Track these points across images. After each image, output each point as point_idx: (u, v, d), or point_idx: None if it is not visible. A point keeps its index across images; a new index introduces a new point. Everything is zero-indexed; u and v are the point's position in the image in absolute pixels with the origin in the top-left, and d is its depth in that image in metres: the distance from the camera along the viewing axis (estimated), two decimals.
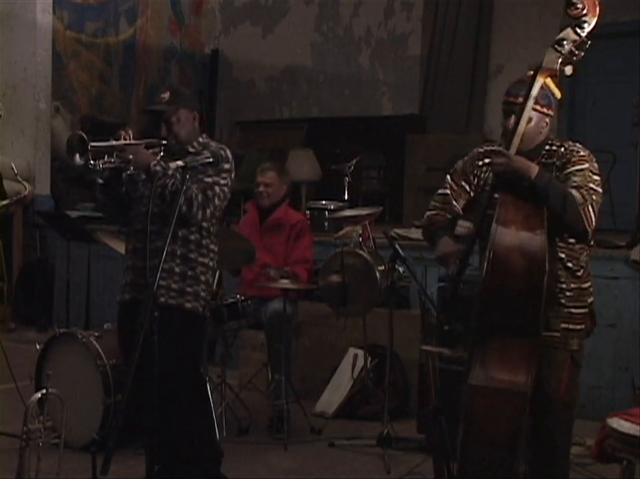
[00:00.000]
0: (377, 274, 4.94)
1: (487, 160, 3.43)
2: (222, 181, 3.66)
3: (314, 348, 5.84)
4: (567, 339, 3.31)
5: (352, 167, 7.63)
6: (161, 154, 3.61)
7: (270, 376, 5.17)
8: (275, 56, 10.71)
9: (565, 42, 3.17)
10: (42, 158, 8.42)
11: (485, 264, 3.06)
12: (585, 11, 3.14)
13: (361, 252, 5.03)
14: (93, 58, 9.81)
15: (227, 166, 3.68)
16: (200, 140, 3.79)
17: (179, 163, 3.37)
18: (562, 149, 3.30)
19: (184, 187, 3.32)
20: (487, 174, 3.42)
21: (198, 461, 3.72)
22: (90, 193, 8.65)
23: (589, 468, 4.28)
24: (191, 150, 3.71)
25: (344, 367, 5.58)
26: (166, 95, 3.74)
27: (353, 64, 10.26)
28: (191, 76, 11.13)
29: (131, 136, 3.57)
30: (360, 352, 5.40)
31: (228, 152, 3.72)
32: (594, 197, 3.18)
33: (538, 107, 3.24)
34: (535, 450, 3.39)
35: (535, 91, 3.16)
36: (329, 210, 7.00)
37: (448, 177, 3.60)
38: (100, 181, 3.70)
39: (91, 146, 3.38)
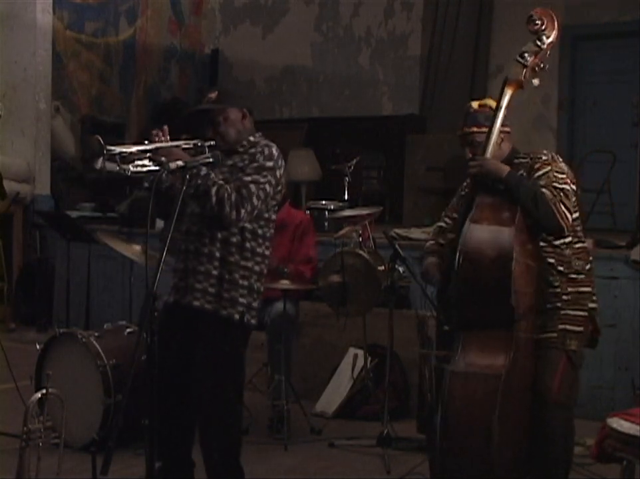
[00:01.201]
0: (377, 274, 4.94)
1: (466, 191, 3.68)
2: (262, 180, 3.46)
3: (314, 348, 5.84)
4: (564, 339, 3.39)
5: (352, 167, 7.63)
6: (179, 162, 3.34)
7: (270, 376, 5.17)
8: (275, 56, 10.71)
9: (526, 55, 3.43)
10: (42, 158, 8.41)
11: (457, 257, 3.23)
12: (544, 26, 3.43)
13: (361, 252, 5.03)
14: (93, 58, 9.81)
15: (269, 164, 3.51)
16: (251, 138, 3.63)
17: (179, 163, 3.33)
18: (528, 159, 3.50)
19: (184, 188, 3.28)
20: (461, 204, 3.64)
21: (217, 475, 3.64)
22: (91, 193, 8.70)
23: (589, 468, 4.28)
24: (240, 149, 3.58)
25: (344, 367, 5.58)
26: (214, 95, 3.62)
27: (353, 64, 10.26)
28: (191, 76, 11.14)
29: (167, 138, 3.42)
30: (360, 352, 5.40)
31: (274, 149, 3.58)
32: (562, 194, 3.33)
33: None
34: (534, 452, 3.40)
35: (504, 102, 3.40)
36: (329, 210, 7.01)
37: (443, 213, 3.88)
38: (146, 184, 3.57)
39: (107, 149, 3.18)
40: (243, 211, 3.38)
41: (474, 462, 3.15)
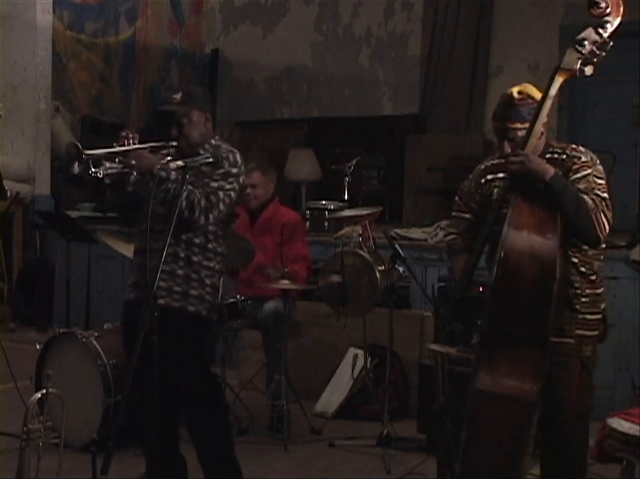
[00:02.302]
0: (377, 274, 4.94)
1: (489, 177, 3.39)
2: (228, 186, 3.58)
3: (314, 348, 5.84)
4: (581, 346, 3.21)
5: (352, 167, 7.63)
6: (169, 157, 3.52)
7: (268, 375, 5.17)
8: (275, 56, 10.71)
9: (586, 43, 3.07)
10: (42, 157, 8.42)
11: (496, 268, 2.98)
12: (608, 10, 3.06)
13: (361, 252, 5.03)
14: (93, 58, 9.81)
15: (234, 171, 3.61)
16: (212, 142, 3.71)
17: (179, 163, 3.37)
18: (564, 156, 3.21)
19: (184, 188, 3.31)
20: (490, 191, 3.36)
21: (213, 472, 3.69)
22: (91, 193, 8.68)
23: (589, 468, 4.27)
24: (202, 152, 3.63)
25: (344, 367, 5.58)
26: (178, 96, 3.68)
27: (353, 64, 10.26)
28: (191, 76, 11.13)
29: (136, 140, 3.49)
30: (360, 352, 5.40)
31: (238, 155, 3.66)
32: (604, 203, 3.11)
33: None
34: (548, 464, 3.29)
35: (553, 91, 3.08)
36: (329, 210, 7.01)
37: (457, 198, 3.55)
38: (107, 181, 3.65)
39: (86, 154, 3.28)
40: (211, 216, 3.53)
41: None
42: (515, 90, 3.20)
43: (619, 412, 3.14)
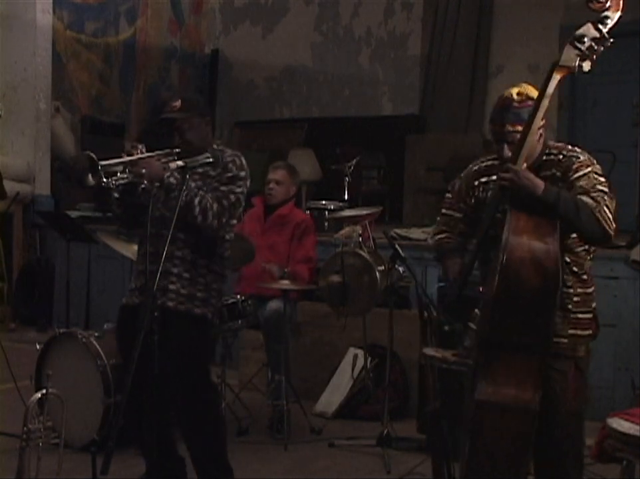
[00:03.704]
0: (377, 274, 4.94)
1: (483, 179, 3.33)
2: (237, 189, 3.65)
3: (314, 348, 5.84)
4: (575, 346, 3.20)
5: (352, 167, 7.63)
6: (179, 162, 3.53)
7: (270, 376, 5.17)
8: (275, 56, 10.71)
9: (585, 39, 2.99)
10: (42, 157, 8.42)
11: (497, 275, 2.93)
12: (608, 4, 2.99)
13: (361, 252, 5.03)
14: (93, 58, 9.81)
15: (242, 174, 3.68)
16: (214, 146, 3.75)
17: (180, 163, 3.38)
18: (561, 156, 3.18)
19: (184, 188, 3.31)
20: (484, 194, 3.32)
21: (206, 474, 3.70)
22: (91, 193, 8.68)
23: (589, 468, 4.27)
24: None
25: (344, 367, 5.58)
26: (178, 103, 3.72)
27: (353, 64, 10.26)
28: (191, 76, 11.13)
29: (144, 149, 3.52)
30: (360, 352, 5.40)
31: (242, 159, 3.72)
32: (605, 197, 3.07)
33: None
34: (543, 465, 3.28)
35: (550, 89, 3.01)
36: (329, 210, 7.00)
37: (448, 195, 3.51)
38: (116, 195, 3.67)
39: (102, 165, 3.31)
40: (223, 219, 3.59)
41: None
42: (514, 92, 3.14)
43: (619, 412, 3.13)
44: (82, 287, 7.03)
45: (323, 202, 7.19)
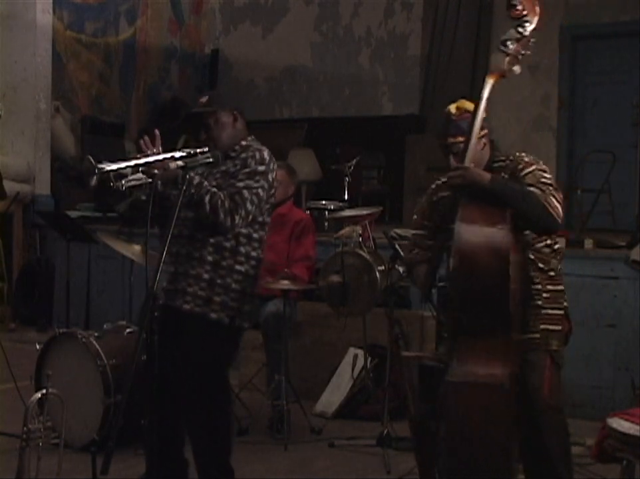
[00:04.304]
0: (377, 274, 4.94)
1: (441, 194, 3.51)
2: (255, 185, 3.50)
3: (314, 348, 5.84)
4: (547, 339, 3.36)
5: (352, 167, 7.63)
6: (179, 162, 3.39)
7: (269, 376, 5.17)
8: (275, 56, 10.72)
9: (509, 42, 3.34)
10: (42, 157, 8.42)
11: (452, 263, 3.08)
12: (525, 12, 3.40)
13: (361, 252, 5.03)
14: (93, 58, 9.81)
15: (261, 168, 3.54)
16: (243, 142, 3.66)
17: (179, 163, 3.35)
18: (508, 161, 3.37)
19: (183, 189, 3.29)
20: (442, 209, 3.46)
21: (207, 475, 3.67)
22: (91, 193, 8.68)
23: (589, 468, 4.28)
24: (232, 154, 3.60)
25: (344, 367, 5.58)
26: (204, 99, 3.67)
27: (353, 64, 10.26)
28: (191, 76, 11.14)
29: (158, 142, 3.42)
30: (360, 352, 5.40)
31: (265, 153, 3.60)
32: (550, 187, 3.24)
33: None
34: (530, 464, 3.35)
35: (486, 93, 3.22)
36: (329, 210, 7.01)
37: (415, 217, 3.68)
38: (143, 197, 3.61)
39: (114, 169, 3.21)
40: (237, 217, 3.45)
41: (495, 476, 2.98)
42: (452, 107, 3.37)
43: (619, 412, 3.14)
44: (82, 287, 7.02)
45: (323, 202, 7.20)
